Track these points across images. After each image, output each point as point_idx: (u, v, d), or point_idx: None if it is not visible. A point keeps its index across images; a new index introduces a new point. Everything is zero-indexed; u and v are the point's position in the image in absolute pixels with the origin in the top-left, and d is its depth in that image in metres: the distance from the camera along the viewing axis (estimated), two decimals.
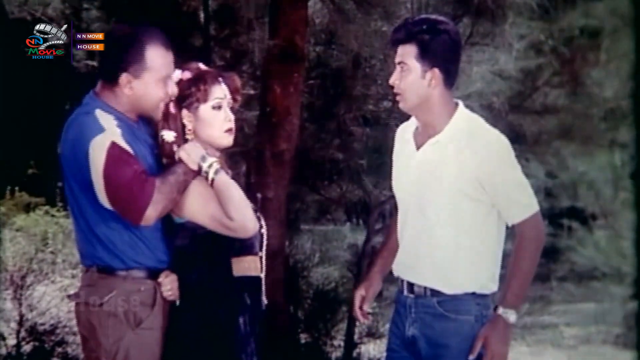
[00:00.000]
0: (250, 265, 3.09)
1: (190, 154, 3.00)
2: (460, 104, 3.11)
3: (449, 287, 3.03)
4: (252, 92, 6.75)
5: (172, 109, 3.07)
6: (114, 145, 2.88)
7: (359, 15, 6.29)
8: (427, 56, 3.00)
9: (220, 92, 3.09)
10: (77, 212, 3.00)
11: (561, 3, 6.61)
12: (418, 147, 3.10)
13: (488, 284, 3.06)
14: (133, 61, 2.97)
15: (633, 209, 5.94)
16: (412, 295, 3.09)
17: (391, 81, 3.08)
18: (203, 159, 3.00)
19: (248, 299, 3.08)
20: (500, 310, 2.97)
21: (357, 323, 7.13)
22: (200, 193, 3.00)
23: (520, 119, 7.16)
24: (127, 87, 2.99)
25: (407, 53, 3.02)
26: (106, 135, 2.89)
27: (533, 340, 8.67)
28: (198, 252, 3.03)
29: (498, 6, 6.26)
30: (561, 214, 7.89)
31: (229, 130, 3.10)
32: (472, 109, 3.18)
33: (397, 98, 3.09)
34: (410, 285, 3.10)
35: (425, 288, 3.06)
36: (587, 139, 6.84)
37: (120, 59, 2.98)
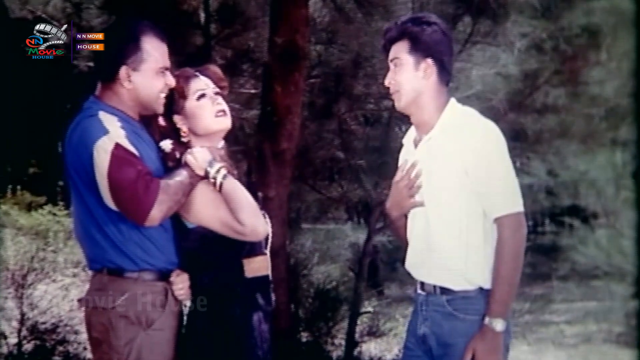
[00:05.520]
0: (260, 265, 3.11)
1: (197, 158, 3.01)
2: (453, 99, 3.11)
3: (455, 284, 3.01)
4: (253, 91, 6.75)
5: (163, 121, 3.09)
6: (117, 147, 2.89)
7: (360, 15, 6.30)
8: (419, 48, 3.04)
9: (200, 84, 3.11)
10: (85, 215, 2.99)
11: (562, 1, 6.60)
12: (416, 146, 3.12)
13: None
14: (130, 53, 2.99)
15: (634, 208, 5.92)
16: (423, 293, 3.10)
17: (386, 82, 3.10)
18: (210, 164, 3.00)
19: (260, 299, 3.10)
20: (487, 320, 2.94)
21: (358, 322, 7.14)
22: (209, 199, 3.00)
23: (521, 118, 7.17)
24: (127, 81, 3.00)
25: (400, 49, 3.06)
26: (110, 137, 2.90)
27: (534, 338, 8.68)
28: (209, 255, 3.04)
29: (499, 5, 6.26)
30: (562, 212, 7.87)
31: (221, 112, 3.10)
32: (472, 108, 3.17)
33: (393, 97, 3.10)
34: (422, 283, 3.10)
35: (434, 286, 3.05)
36: (588, 138, 6.83)
37: (118, 52, 3.00)
